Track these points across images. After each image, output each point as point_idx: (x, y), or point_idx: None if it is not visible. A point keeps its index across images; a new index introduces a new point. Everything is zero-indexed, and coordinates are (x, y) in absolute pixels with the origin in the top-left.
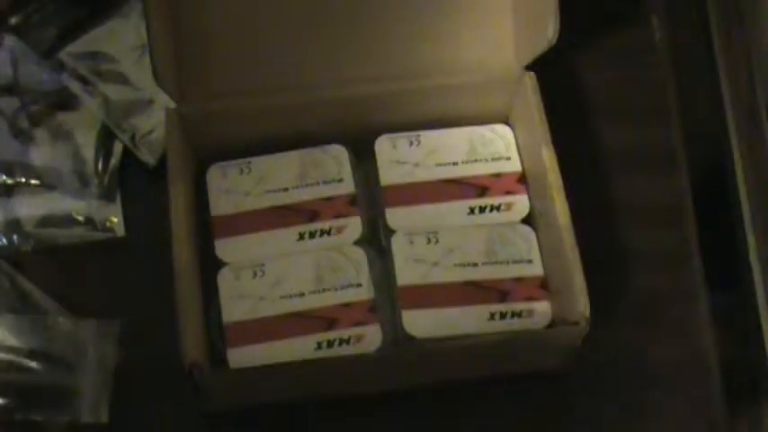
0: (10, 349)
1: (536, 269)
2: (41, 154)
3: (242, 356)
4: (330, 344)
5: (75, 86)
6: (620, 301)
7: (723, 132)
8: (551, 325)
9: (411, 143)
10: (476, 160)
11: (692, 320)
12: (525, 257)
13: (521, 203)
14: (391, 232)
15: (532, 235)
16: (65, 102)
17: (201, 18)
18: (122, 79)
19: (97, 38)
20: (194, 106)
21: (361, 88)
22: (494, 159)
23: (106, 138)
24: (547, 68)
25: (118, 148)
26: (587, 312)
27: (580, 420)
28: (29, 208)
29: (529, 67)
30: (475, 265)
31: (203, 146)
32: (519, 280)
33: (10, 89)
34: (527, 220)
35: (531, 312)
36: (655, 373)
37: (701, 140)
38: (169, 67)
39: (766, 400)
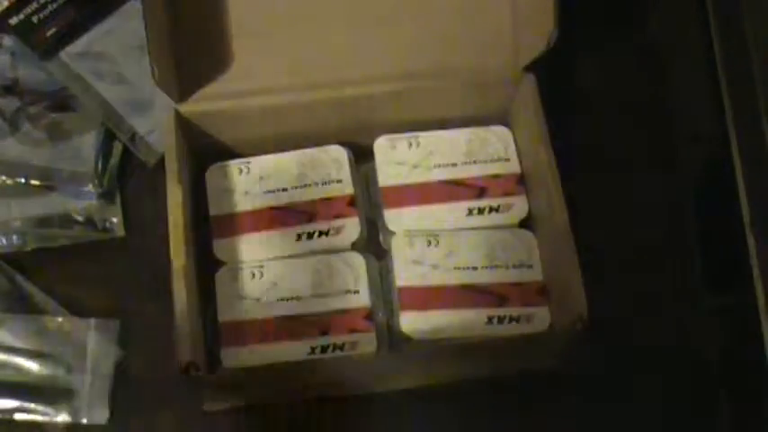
0: (10, 349)
1: (536, 275)
2: (41, 154)
3: (236, 357)
4: (324, 349)
5: (75, 86)
6: (620, 301)
7: (723, 132)
8: (549, 326)
9: (410, 144)
10: (475, 161)
11: (692, 320)
12: (525, 262)
13: (519, 205)
14: (391, 233)
15: (533, 240)
16: (65, 102)
17: (200, 18)
18: (122, 79)
19: (97, 38)
20: (193, 106)
21: (361, 89)
22: (492, 161)
23: (106, 138)
24: (547, 68)
25: (118, 148)
26: (584, 314)
27: (580, 421)
28: (29, 208)
29: (528, 68)
30: (475, 268)
31: (203, 146)
32: (518, 285)
33: (10, 89)
34: (526, 222)
35: (529, 318)
36: (654, 373)
37: (701, 140)
38: (168, 67)
39: (766, 400)
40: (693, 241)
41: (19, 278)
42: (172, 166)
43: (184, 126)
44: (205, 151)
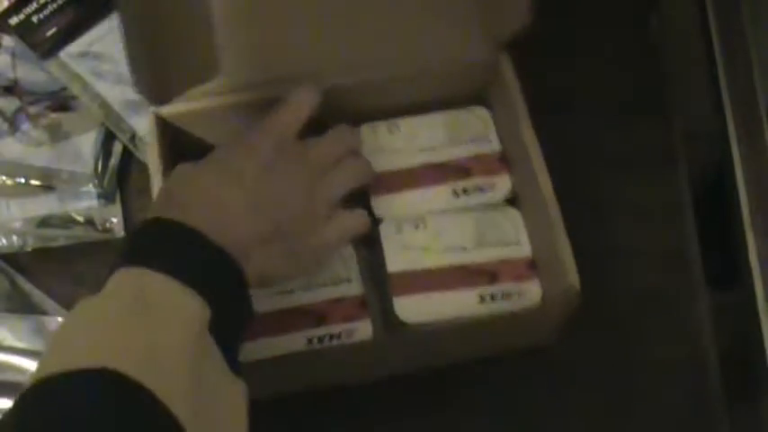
0: (10, 349)
1: (524, 250)
2: (41, 154)
3: None
4: (320, 340)
5: (75, 86)
6: (620, 301)
7: (723, 132)
8: (542, 300)
9: (391, 131)
10: (456, 143)
11: (692, 320)
12: (513, 239)
13: (503, 182)
14: (378, 220)
15: (519, 217)
16: (65, 102)
17: (175, 20)
18: (122, 79)
19: (97, 38)
20: (174, 108)
21: (339, 80)
22: (473, 141)
23: (106, 138)
24: (547, 68)
25: (118, 149)
26: (577, 284)
27: (579, 420)
28: (29, 208)
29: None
30: (464, 248)
31: (186, 147)
32: (508, 262)
33: (10, 89)
34: (510, 199)
35: (521, 293)
36: (654, 372)
37: (701, 140)
38: (147, 71)
39: (766, 399)
40: (693, 241)
41: (19, 278)
42: (154, 171)
43: (167, 129)
44: (189, 152)
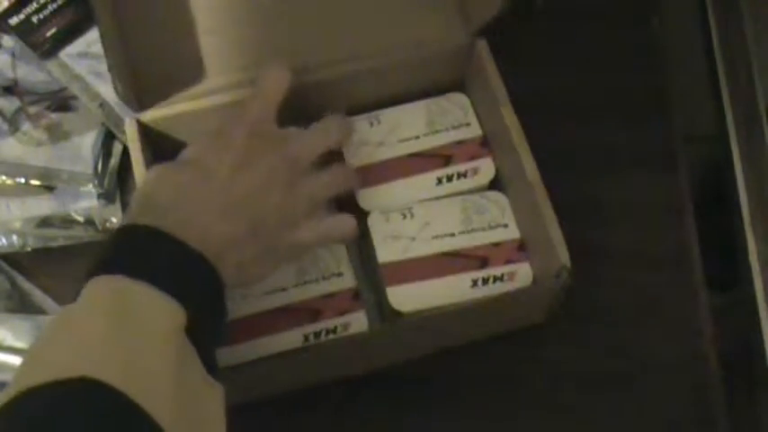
0: (10, 349)
1: (512, 233)
2: (41, 154)
3: (230, 352)
4: (317, 335)
5: (75, 87)
6: (620, 301)
7: (723, 132)
8: (533, 282)
9: (371, 123)
10: (437, 131)
11: (692, 320)
12: (501, 222)
13: (486, 167)
14: (365, 213)
15: (505, 200)
16: (65, 102)
17: (153, 25)
18: None
19: (97, 38)
20: (156, 113)
21: (317, 75)
22: (454, 128)
23: (106, 138)
24: (547, 69)
25: (118, 149)
26: (568, 262)
27: (579, 418)
28: (29, 208)
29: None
30: (452, 235)
31: (168, 151)
32: (497, 245)
33: (10, 89)
34: (495, 183)
35: (512, 275)
36: (654, 372)
37: (701, 140)
38: (128, 77)
39: (765, 399)
40: (693, 241)
41: (19, 278)
42: (138, 177)
43: (149, 135)
44: (171, 157)
